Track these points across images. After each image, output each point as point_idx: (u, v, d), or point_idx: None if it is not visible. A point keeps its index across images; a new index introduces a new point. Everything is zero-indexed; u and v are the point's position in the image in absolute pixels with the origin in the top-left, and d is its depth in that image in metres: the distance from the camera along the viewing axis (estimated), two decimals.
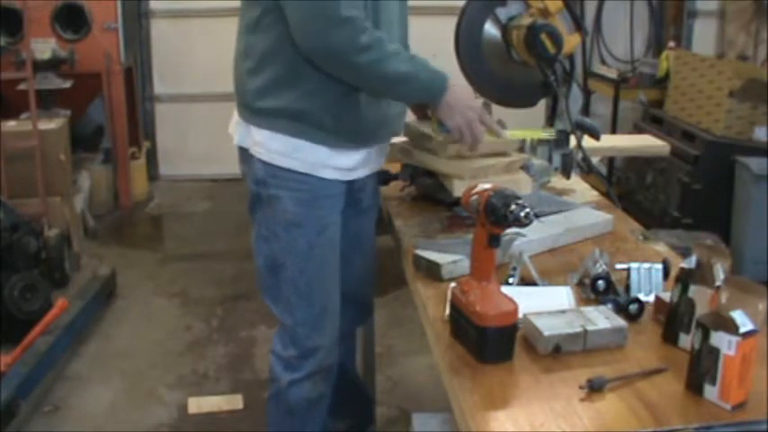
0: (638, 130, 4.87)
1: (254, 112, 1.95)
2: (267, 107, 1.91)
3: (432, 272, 1.80)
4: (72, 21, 4.94)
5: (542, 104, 2.44)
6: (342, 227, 2.07)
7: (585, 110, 5.16)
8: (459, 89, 1.92)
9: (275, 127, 1.92)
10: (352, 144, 1.96)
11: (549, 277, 1.77)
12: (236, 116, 2.04)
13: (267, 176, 1.96)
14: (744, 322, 1.25)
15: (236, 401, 3.04)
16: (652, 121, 4.90)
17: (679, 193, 4.34)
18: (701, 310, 1.41)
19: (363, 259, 2.26)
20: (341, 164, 1.97)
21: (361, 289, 2.31)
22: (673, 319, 1.48)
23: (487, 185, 1.46)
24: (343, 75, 1.85)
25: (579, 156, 2.28)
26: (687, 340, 1.42)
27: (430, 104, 1.97)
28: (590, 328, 1.45)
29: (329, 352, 2.08)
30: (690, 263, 1.46)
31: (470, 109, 1.92)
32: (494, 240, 1.45)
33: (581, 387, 1.31)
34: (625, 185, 4.94)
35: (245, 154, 2.01)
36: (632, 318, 1.57)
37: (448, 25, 2.27)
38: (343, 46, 1.77)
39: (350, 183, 2.02)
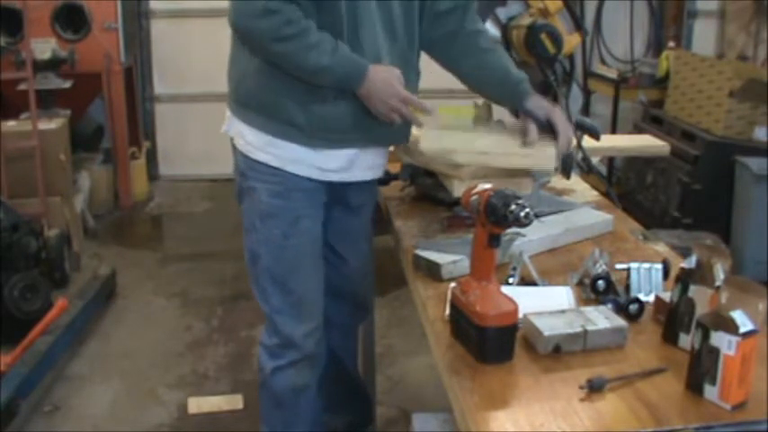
0: (638, 130, 4.86)
1: (234, 103, 2.02)
2: (244, 99, 1.98)
3: (432, 272, 1.80)
4: (72, 21, 4.94)
5: None
6: (330, 224, 2.12)
7: (585, 110, 5.16)
8: (380, 79, 1.90)
9: (251, 122, 1.98)
10: (327, 142, 1.97)
11: (549, 277, 1.77)
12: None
13: (246, 168, 2.02)
14: (744, 322, 1.25)
15: (236, 401, 3.04)
16: (652, 121, 4.90)
17: (679, 193, 4.34)
18: (701, 310, 1.41)
19: (357, 258, 2.27)
20: (316, 162, 1.99)
21: (356, 287, 2.33)
22: (673, 319, 1.48)
23: (487, 185, 1.46)
24: (265, 58, 1.91)
25: (579, 156, 2.28)
26: (687, 340, 1.42)
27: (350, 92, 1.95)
28: (590, 328, 1.45)
29: (307, 340, 2.10)
30: (690, 263, 1.46)
31: (391, 97, 1.90)
32: (494, 240, 1.45)
33: (581, 387, 1.31)
34: (625, 185, 4.94)
35: (233, 144, 2.07)
36: (632, 318, 1.57)
37: None
38: (263, 34, 1.85)
39: (328, 183, 2.04)
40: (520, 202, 1.40)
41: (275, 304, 2.08)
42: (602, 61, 5.82)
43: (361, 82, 1.88)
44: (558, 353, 1.43)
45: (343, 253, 2.22)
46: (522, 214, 1.39)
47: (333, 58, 1.86)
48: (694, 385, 1.31)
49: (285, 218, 2.01)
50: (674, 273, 1.61)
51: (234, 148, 2.06)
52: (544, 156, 2.02)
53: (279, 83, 1.92)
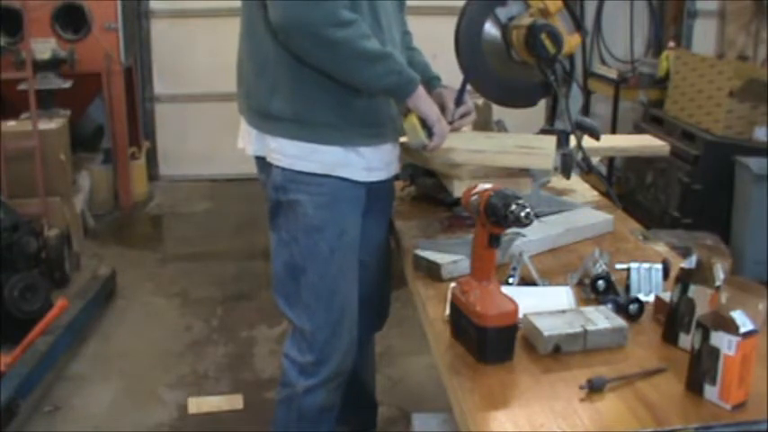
0: (638, 130, 4.87)
1: (266, 120, 1.93)
2: (278, 112, 1.90)
3: (432, 272, 1.80)
4: (72, 21, 4.94)
5: (542, 104, 2.44)
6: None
7: (585, 110, 5.15)
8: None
9: (289, 134, 1.91)
10: (366, 138, 1.94)
11: (549, 277, 1.78)
12: (245, 126, 2.02)
13: (285, 181, 1.94)
14: (744, 322, 1.25)
15: (236, 401, 3.04)
16: (652, 121, 4.90)
17: (679, 193, 4.34)
18: (701, 310, 1.41)
19: (378, 262, 2.23)
20: (361, 162, 1.94)
21: (377, 292, 2.28)
22: (673, 319, 1.48)
23: (487, 185, 1.47)
24: (317, 53, 1.81)
25: (579, 156, 2.28)
26: (687, 340, 1.42)
27: (401, 95, 1.90)
28: (590, 328, 1.45)
29: (345, 356, 2.06)
30: (690, 263, 1.46)
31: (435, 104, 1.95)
32: (494, 240, 1.45)
33: (581, 387, 1.32)
34: (625, 185, 4.94)
35: (262, 163, 2.00)
36: (632, 318, 1.57)
37: (448, 25, 2.26)
38: (322, 19, 1.75)
39: (368, 185, 1.99)
40: (520, 202, 1.40)
41: (319, 321, 2.01)
42: (602, 61, 5.82)
43: (417, 80, 1.88)
44: (558, 353, 1.43)
45: (364, 258, 2.14)
46: (523, 214, 1.39)
47: (387, 49, 1.85)
48: (694, 385, 1.31)
49: (332, 231, 1.95)
50: (674, 273, 1.61)
51: (266, 165, 1.98)
52: (541, 155, 2.03)
53: (311, 87, 1.86)
